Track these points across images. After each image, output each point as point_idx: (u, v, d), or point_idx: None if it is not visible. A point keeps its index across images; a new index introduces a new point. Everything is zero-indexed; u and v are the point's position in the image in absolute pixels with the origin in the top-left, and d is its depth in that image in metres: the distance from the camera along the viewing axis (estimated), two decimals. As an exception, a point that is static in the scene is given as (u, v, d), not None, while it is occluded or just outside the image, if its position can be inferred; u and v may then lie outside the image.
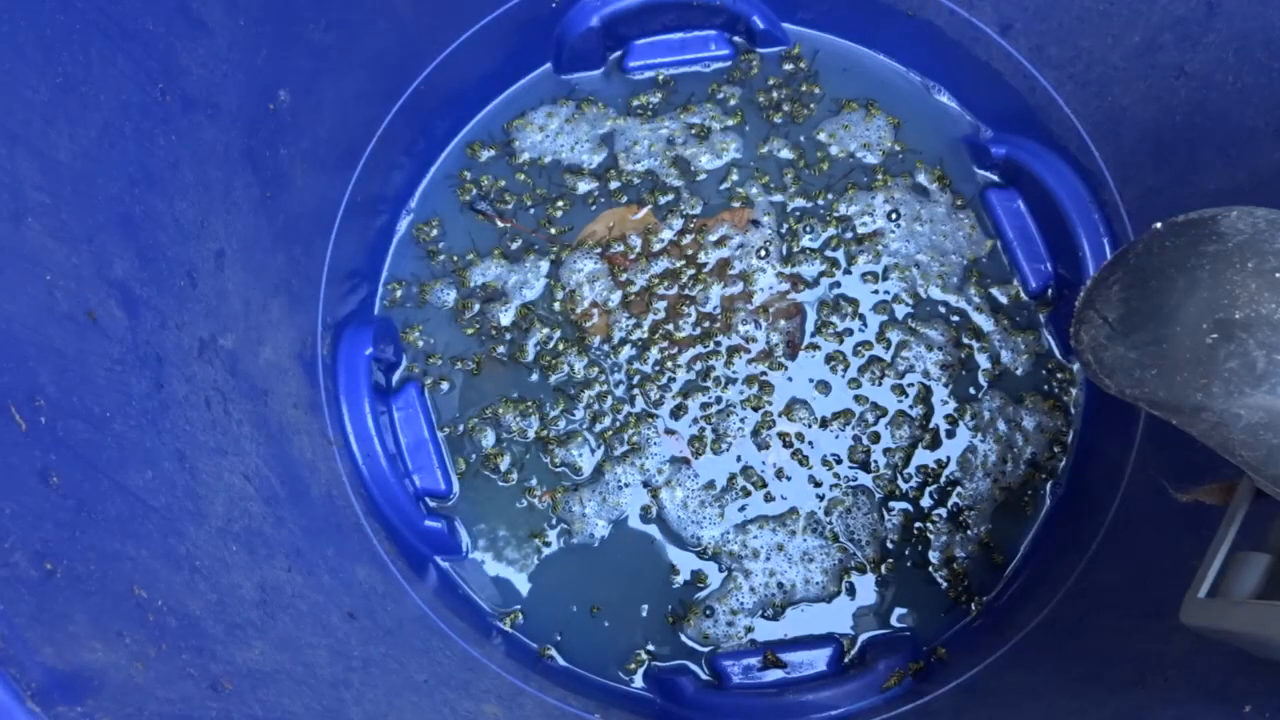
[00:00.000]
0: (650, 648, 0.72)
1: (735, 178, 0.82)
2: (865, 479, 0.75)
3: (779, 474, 0.75)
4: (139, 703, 0.39)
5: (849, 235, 0.80)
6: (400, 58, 0.75)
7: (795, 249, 0.80)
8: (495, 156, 0.83)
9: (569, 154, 0.83)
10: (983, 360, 0.77)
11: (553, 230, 0.81)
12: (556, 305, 0.79)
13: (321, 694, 0.50)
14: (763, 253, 0.79)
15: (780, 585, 0.73)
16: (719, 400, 0.76)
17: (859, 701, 0.68)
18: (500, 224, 0.81)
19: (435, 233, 0.81)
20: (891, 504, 0.74)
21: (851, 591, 0.73)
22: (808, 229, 0.80)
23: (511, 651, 0.70)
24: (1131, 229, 0.72)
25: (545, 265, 0.80)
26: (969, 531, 0.74)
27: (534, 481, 0.75)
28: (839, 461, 0.75)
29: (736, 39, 0.85)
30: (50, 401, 0.43)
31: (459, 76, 0.80)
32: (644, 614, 0.73)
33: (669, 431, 0.76)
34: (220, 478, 0.54)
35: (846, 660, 0.71)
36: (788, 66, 0.85)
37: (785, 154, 0.82)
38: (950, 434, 0.76)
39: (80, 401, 0.45)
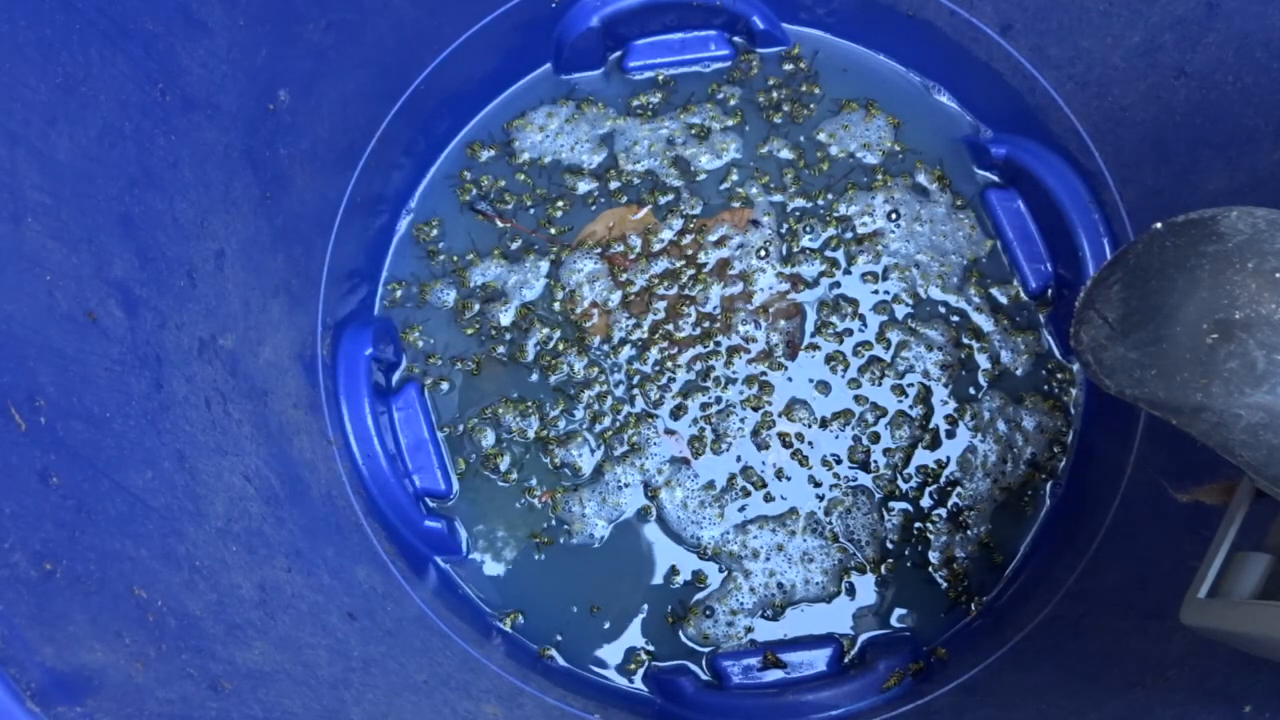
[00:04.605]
0: (650, 648, 0.72)
1: (735, 178, 0.82)
2: (865, 479, 0.75)
3: (779, 474, 0.75)
4: (139, 703, 0.39)
5: (849, 235, 0.80)
6: (400, 58, 0.75)
7: (795, 249, 0.80)
8: (495, 156, 0.83)
9: (569, 154, 0.83)
10: (983, 360, 0.77)
11: (553, 230, 0.81)
12: (556, 305, 0.79)
13: (321, 694, 0.50)
14: (763, 253, 0.79)
15: (780, 585, 0.73)
16: (719, 400, 0.76)
17: (859, 701, 0.68)
18: (500, 224, 0.81)
19: (435, 233, 0.81)
20: (891, 504, 0.74)
21: (851, 591, 0.73)
22: (808, 229, 0.80)
23: (511, 651, 0.70)
24: (1131, 229, 0.72)
25: (545, 265, 0.80)
26: (969, 531, 0.74)
27: (534, 481, 0.75)
28: (839, 461, 0.75)
29: (736, 39, 0.85)
30: (50, 401, 0.43)
31: (459, 76, 0.80)
32: (644, 614, 0.73)
33: (669, 431, 0.76)
34: (220, 478, 0.54)
35: (846, 660, 0.71)
36: (788, 66, 0.85)
37: (785, 154, 0.83)
38: (950, 434, 0.76)
39: (80, 401, 0.45)
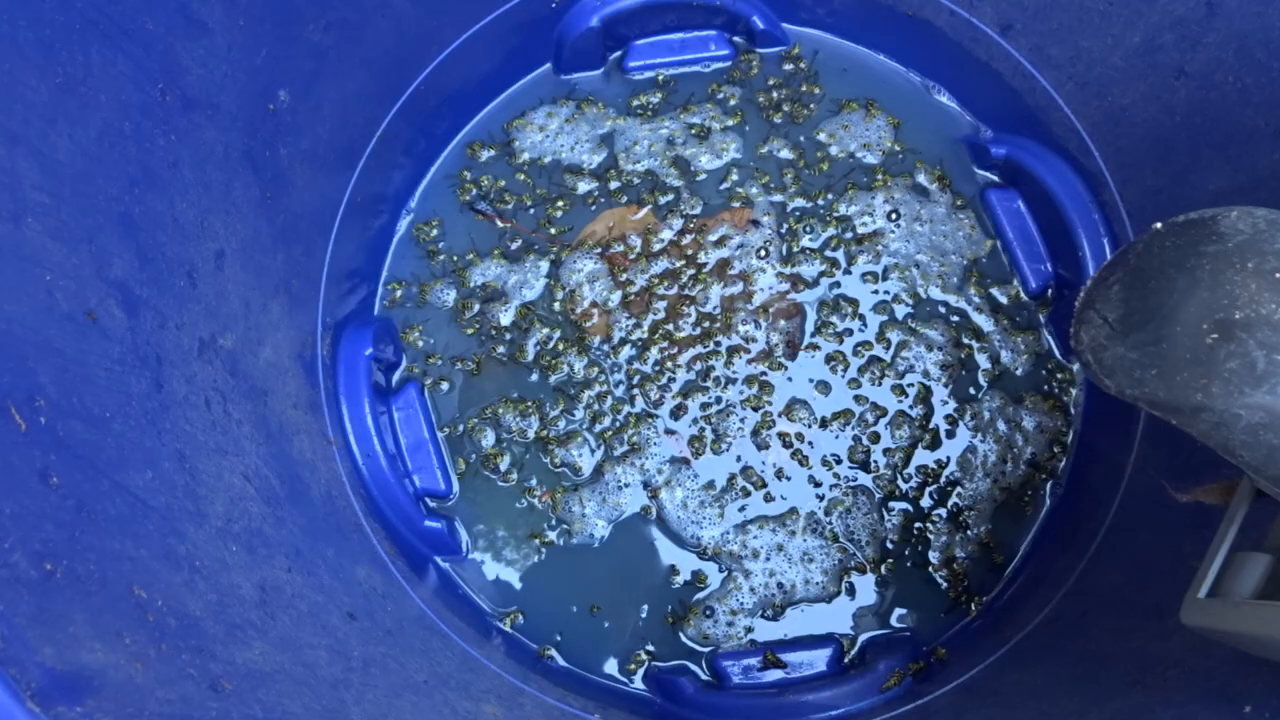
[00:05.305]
0: (650, 648, 0.72)
1: (735, 178, 0.82)
2: (865, 479, 0.75)
3: (779, 474, 0.75)
4: (139, 703, 0.39)
5: (849, 235, 0.80)
6: (400, 58, 0.75)
7: (795, 249, 0.80)
8: (495, 156, 0.83)
9: (569, 154, 0.83)
10: (983, 360, 0.77)
11: (553, 230, 0.81)
12: (556, 305, 0.79)
13: (321, 694, 0.50)
14: (763, 253, 0.79)
15: (780, 585, 0.73)
16: (719, 400, 0.76)
17: (859, 701, 0.68)
18: (500, 224, 0.81)
19: (435, 233, 0.81)
20: (891, 504, 0.74)
21: (851, 591, 0.73)
22: (808, 229, 0.80)
23: (511, 651, 0.70)
24: (1131, 229, 0.72)
25: (545, 265, 0.80)
26: (969, 531, 0.74)
27: (534, 481, 0.75)
28: (839, 461, 0.75)
29: (736, 39, 0.85)
30: (50, 401, 0.43)
31: (459, 76, 0.80)
32: (644, 614, 0.73)
33: (669, 431, 0.76)
34: (220, 478, 0.54)
35: (846, 660, 0.71)
36: (788, 66, 0.85)
37: (785, 154, 0.83)
38: (950, 434, 0.76)
39: (80, 401, 0.45)
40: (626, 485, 0.74)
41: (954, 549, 0.74)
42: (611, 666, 0.72)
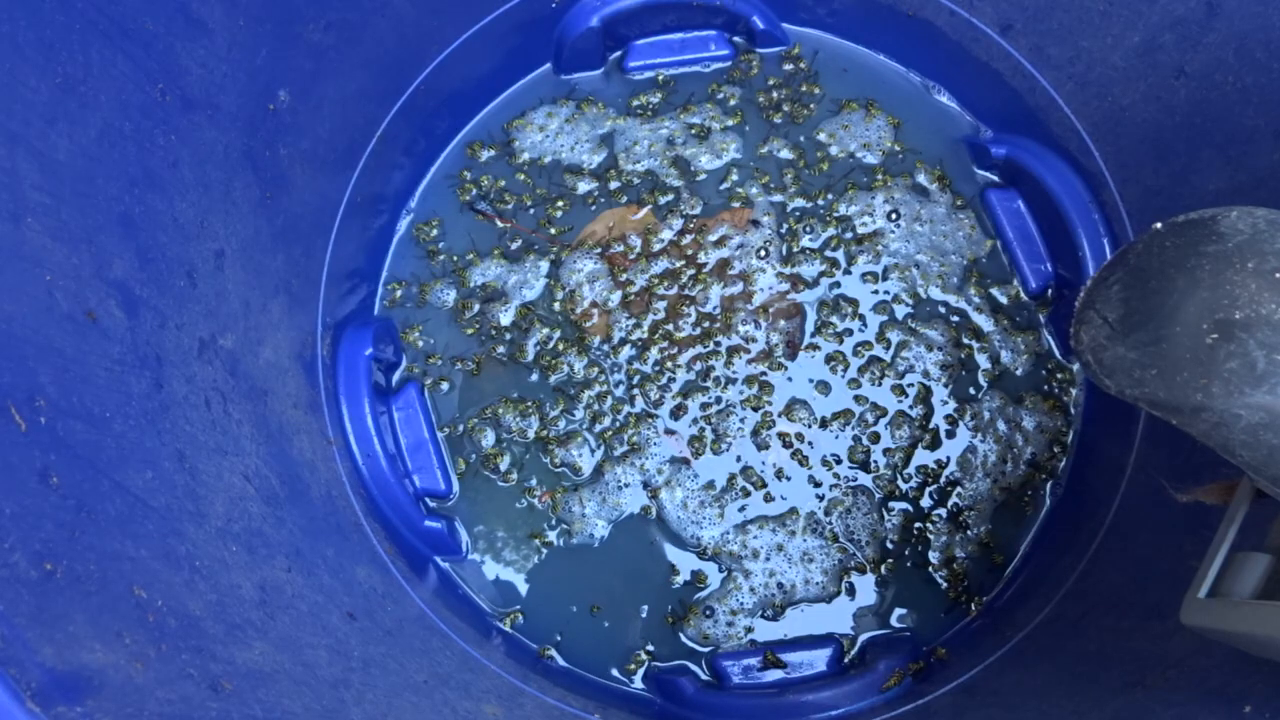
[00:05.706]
0: (650, 648, 0.72)
1: (735, 178, 0.82)
2: (865, 479, 0.75)
3: (779, 474, 0.75)
4: (139, 703, 0.39)
5: (849, 235, 0.80)
6: (400, 58, 0.75)
7: (795, 249, 0.80)
8: (495, 156, 0.83)
9: (569, 154, 0.83)
10: (983, 360, 0.77)
11: (553, 230, 0.81)
12: (556, 305, 0.79)
13: (321, 694, 0.50)
14: (763, 253, 0.79)
15: (780, 585, 0.73)
16: (719, 400, 0.76)
17: (859, 701, 0.68)
18: (500, 224, 0.81)
19: (435, 233, 0.81)
20: (891, 504, 0.74)
21: (851, 591, 0.73)
22: (808, 229, 0.80)
23: (511, 651, 0.70)
24: (1131, 229, 0.72)
25: (545, 265, 0.80)
26: (969, 531, 0.74)
27: (534, 481, 0.75)
28: (839, 461, 0.75)
29: (736, 39, 0.85)
30: (50, 401, 0.43)
31: (459, 76, 0.80)
32: (644, 614, 0.73)
33: (669, 431, 0.76)
34: (220, 478, 0.54)
35: (846, 660, 0.71)
36: (788, 66, 0.85)
37: (785, 154, 0.83)
38: (950, 434, 0.76)
39: (80, 401, 0.45)
40: (626, 485, 0.74)
41: (954, 549, 0.74)
42: (611, 666, 0.72)
